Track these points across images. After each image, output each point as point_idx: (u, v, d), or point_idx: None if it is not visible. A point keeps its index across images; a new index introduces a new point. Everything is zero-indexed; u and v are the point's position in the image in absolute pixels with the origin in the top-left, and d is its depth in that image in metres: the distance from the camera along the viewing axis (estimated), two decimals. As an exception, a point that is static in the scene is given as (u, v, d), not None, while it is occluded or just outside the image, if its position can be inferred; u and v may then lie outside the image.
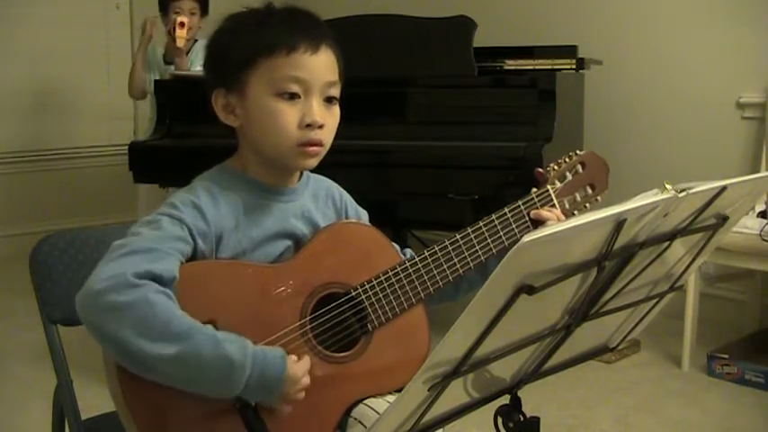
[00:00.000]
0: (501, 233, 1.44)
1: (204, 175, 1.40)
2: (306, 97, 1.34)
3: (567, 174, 1.52)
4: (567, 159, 1.53)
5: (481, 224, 1.44)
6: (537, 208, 1.48)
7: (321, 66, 1.35)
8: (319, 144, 1.36)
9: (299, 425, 1.31)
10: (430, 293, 1.41)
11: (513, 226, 1.45)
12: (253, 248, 1.36)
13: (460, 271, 1.42)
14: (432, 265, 1.41)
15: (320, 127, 1.35)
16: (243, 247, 1.35)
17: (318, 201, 1.47)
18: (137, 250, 1.23)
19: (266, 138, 1.35)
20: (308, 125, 1.34)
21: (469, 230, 1.43)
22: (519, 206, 1.46)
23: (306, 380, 1.28)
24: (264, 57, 1.33)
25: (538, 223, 1.45)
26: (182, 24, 3.67)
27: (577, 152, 1.54)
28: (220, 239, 1.33)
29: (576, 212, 1.53)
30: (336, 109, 1.39)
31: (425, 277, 1.41)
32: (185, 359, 1.19)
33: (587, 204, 1.54)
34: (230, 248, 1.34)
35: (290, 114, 1.34)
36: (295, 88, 1.34)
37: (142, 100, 4.08)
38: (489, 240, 1.43)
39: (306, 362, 1.29)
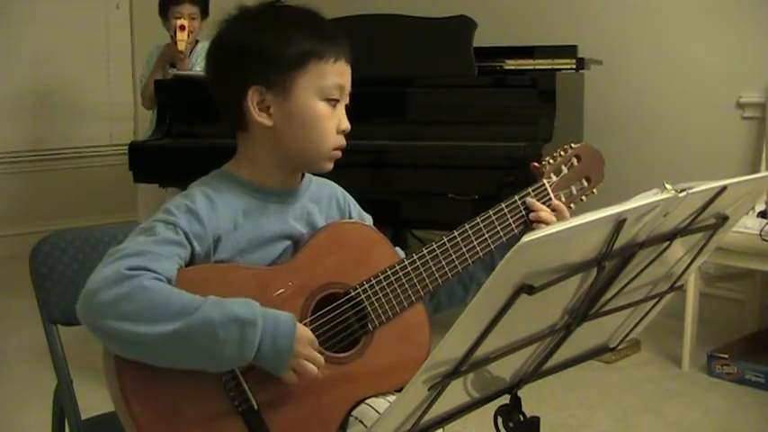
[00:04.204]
0: (498, 228, 1.44)
1: (201, 180, 1.41)
2: (340, 104, 1.40)
3: (563, 167, 1.51)
4: (561, 153, 1.52)
5: (479, 220, 1.43)
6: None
7: (349, 75, 1.41)
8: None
9: (302, 426, 1.31)
10: (429, 291, 1.41)
11: (511, 221, 1.45)
12: (252, 250, 1.36)
13: (459, 268, 1.42)
14: (431, 263, 1.41)
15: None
16: (242, 248, 1.36)
17: (321, 203, 1.48)
18: (131, 254, 1.24)
19: (305, 139, 1.38)
20: (343, 131, 1.40)
21: (467, 227, 1.43)
22: (515, 201, 1.46)
23: (315, 357, 1.28)
24: (316, 60, 1.36)
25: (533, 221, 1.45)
26: (182, 28, 3.68)
27: (572, 145, 1.54)
28: (218, 242, 1.34)
29: (572, 205, 1.53)
30: None
31: (424, 275, 1.40)
32: (195, 330, 1.19)
33: (584, 197, 1.54)
34: (229, 250, 1.34)
35: (332, 120, 1.39)
36: (337, 95, 1.39)
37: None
38: (487, 236, 1.43)
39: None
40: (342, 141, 1.41)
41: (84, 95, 5.20)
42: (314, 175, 1.49)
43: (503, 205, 1.45)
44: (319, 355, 1.29)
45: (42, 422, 1.70)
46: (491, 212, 1.44)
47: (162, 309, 1.20)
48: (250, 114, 1.37)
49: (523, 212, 1.46)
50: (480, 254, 1.43)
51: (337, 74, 1.38)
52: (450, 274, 1.42)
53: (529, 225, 1.46)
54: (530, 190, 1.48)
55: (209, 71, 1.43)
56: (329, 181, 1.53)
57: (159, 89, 3.64)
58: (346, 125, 1.40)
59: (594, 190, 1.54)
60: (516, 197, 1.47)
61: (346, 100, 1.42)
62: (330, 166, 1.42)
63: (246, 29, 1.39)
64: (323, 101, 1.37)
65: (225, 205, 1.36)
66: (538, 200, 1.48)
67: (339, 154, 1.42)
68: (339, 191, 1.54)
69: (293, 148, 1.39)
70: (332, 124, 1.38)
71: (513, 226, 1.45)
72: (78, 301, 1.22)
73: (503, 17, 4.21)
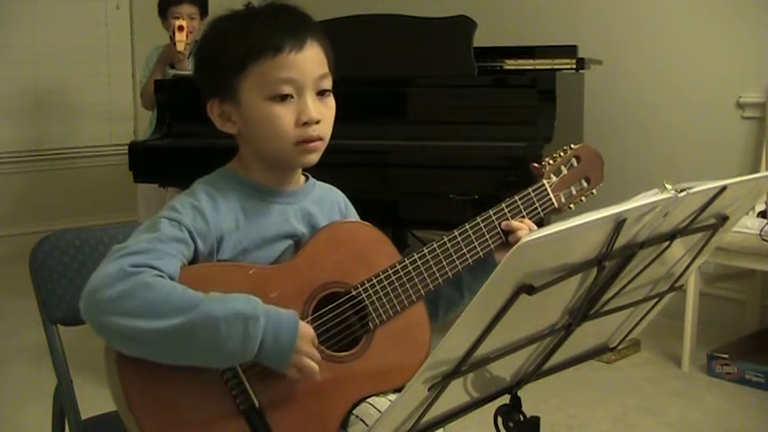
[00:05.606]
0: (499, 228, 1.45)
1: (204, 179, 1.41)
2: (299, 95, 1.35)
3: (563, 168, 1.52)
4: (561, 153, 1.53)
5: (479, 219, 1.44)
6: (533, 203, 1.48)
7: (309, 62, 1.35)
8: (318, 139, 1.37)
9: (303, 424, 1.32)
10: (430, 290, 1.42)
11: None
12: (253, 249, 1.37)
13: (459, 267, 1.43)
14: (431, 262, 1.41)
15: (317, 122, 1.35)
16: (243, 247, 1.36)
17: (323, 206, 1.48)
18: (135, 251, 1.24)
19: (266, 141, 1.36)
20: (305, 123, 1.34)
21: (467, 226, 1.44)
22: (516, 201, 1.47)
23: (316, 355, 1.28)
24: (252, 62, 1.33)
25: (509, 234, 1.45)
26: (180, 28, 3.68)
27: (572, 146, 1.55)
28: (221, 241, 1.34)
29: (572, 206, 1.54)
30: (331, 101, 1.39)
31: (425, 274, 1.41)
32: (197, 325, 1.20)
33: (583, 198, 1.55)
34: (230, 250, 1.35)
35: (285, 116, 1.34)
36: (287, 89, 1.34)
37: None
38: (488, 236, 1.44)
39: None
40: (308, 133, 1.34)
41: (83, 95, 5.20)
42: (312, 174, 1.49)
43: (503, 205, 1.46)
44: (317, 353, 1.29)
45: (42, 422, 1.70)
46: (491, 212, 1.45)
47: (164, 305, 1.20)
48: (216, 124, 1.39)
49: (524, 213, 1.47)
50: (480, 253, 1.44)
51: (280, 68, 1.33)
52: (450, 274, 1.42)
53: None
54: (530, 190, 1.49)
55: None
56: (334, 188, 1.53)
57: (159, 89, 3.64)
58: (308, 116, 1.33)
59: (594, 191, 1.55)
60: (517, 197, 1.48)
61: (312, 89, 1.35)
62: (309, 158, 1.38)
63: (207, 41, 1.41)
64: (269, 100, 1.33)
65: (227, 204, 1.36)
66: (538, 200, 1.49)
67: (313, 145, 1.36)
68: (342, 197, 1.54)
69: (261, 149, 1.38)
70: (285, 121, 1.33)
71: None
72: (81, 298, 1.22)
73: (503, 17, 4.21)
